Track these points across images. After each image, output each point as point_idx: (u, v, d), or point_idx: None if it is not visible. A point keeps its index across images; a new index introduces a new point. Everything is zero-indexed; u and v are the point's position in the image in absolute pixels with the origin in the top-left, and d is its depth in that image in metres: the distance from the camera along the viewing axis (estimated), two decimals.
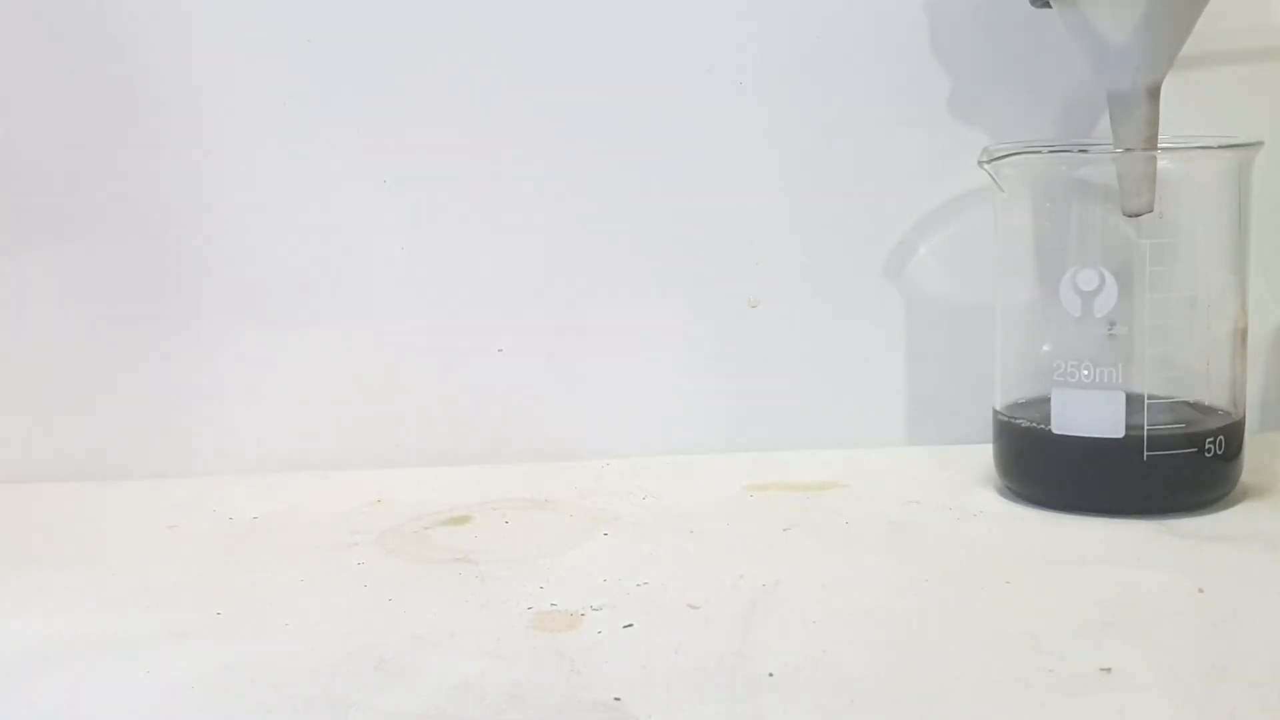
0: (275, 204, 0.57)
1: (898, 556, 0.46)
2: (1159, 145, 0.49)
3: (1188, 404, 0.50)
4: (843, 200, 0.58)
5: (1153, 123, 0.49)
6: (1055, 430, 0.49)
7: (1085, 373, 0.49)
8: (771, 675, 0.37)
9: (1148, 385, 0.49)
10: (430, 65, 0.57)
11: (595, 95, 0.57)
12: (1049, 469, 0.50)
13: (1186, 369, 0.50)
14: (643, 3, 0.57)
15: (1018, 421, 0.51)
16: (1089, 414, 0.48)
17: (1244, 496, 0.50)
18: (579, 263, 0.58)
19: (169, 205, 0.57)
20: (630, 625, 0.40)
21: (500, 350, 0.58)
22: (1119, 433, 0.48)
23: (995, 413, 0.52)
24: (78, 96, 0.56)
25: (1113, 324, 0.48)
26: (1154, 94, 0.49)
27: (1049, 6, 0.51)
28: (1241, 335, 0.51)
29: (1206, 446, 0.49)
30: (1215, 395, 0.50)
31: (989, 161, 0.51)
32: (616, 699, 0.35)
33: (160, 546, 0.49)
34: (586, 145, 0.57)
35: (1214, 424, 0.49)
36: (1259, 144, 0.50)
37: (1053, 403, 0.49)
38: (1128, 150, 0.49)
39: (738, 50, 0.57)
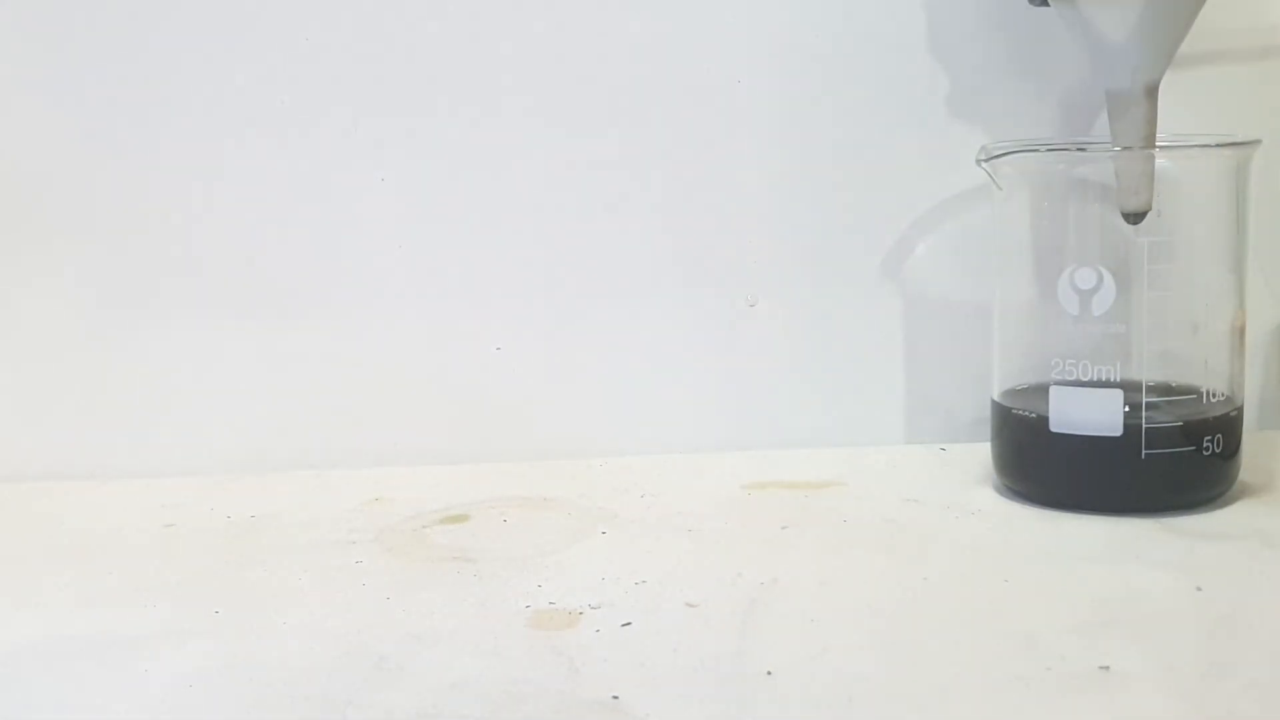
0: (273, 201, 0.57)
1: (896, 555, 0.46)
2: (1157, 143, 0.49)
3: (1186, 402, 0.49)
4: (841, 198, 0.58)
5: (1151, 121, 0.49)
6: (1053, 428, 0.49)
7: (1083, 371, 0.49)
8: (770, 674, 0.36)
9: (1145, 383, 0.48)
10: (428, 62, 0.56)
11: (593, 92, 0.57)
12: (1047, 467, 0.50)
13: (1185, 366, 0.50)
14: (641, 3, 0.56)
15: (1017, 412, 0.50)
16: (1087, 412, 0.48)
17: (1242, 494, 0.50)
18: (577, 261, 0.58)
19: (167, 203, 0.57)
20: (629, 624, 0.40)
21: (499, 349, 0.58)
22: (1117, 431, 0.48)
23: (994, 403, 0.52)
24: (72, 94, 0.56)
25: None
26: (1152, 92, 0.49)
27: (1047, 5, 0.51)
28: (1239, 333, 0.51)
29: (1205, 444, 0.49)
30: (1213, 393, 0.50)
31: (987, 160, 0.51)
32: (615, 697, 0.35)
33: (158, 545, 0.49)
34: (585, 143, 0.57)
35: (1212, 422, 0.49)
36: (1257, 142, 0.50)
37: (1051, 401, 0.49)
38: (1126, 148, 0.49)
39: (735, 46, 0.57)
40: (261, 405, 0.58)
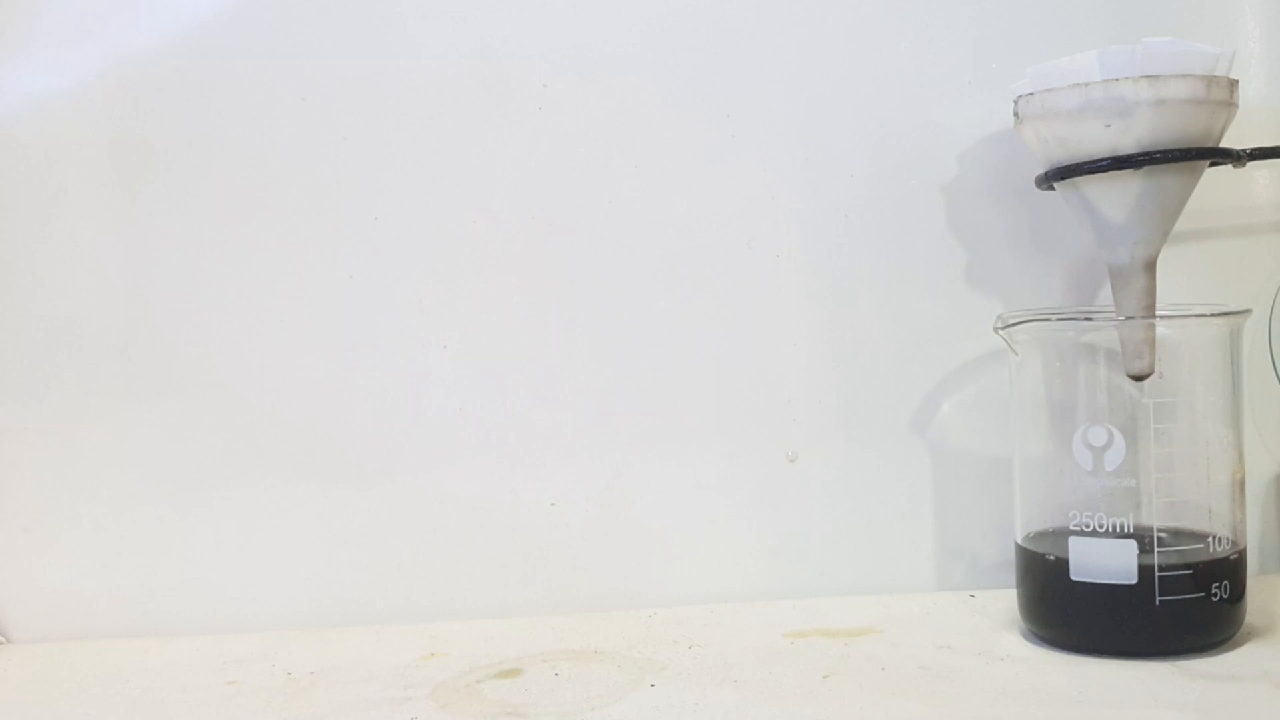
0: (338, 367, 0.59)
1: (932, 703, 0.47)
2: (1157, 313, 0.52)
3: (1194, 550, 0.51)
4: (873, 363, 0.60)
5: (1150, 292, 0.52)
6: (1074, 577, 0.51)
7: (1099, 522, 0.51)
8: None
9: (1156, 533, 0.51)
10: (487, 240, 0.59)
11: (647, 267, 0.60)
12: (1069, 613, 0.52)
13: (1191, 517, 0.52)
14: (689, 185, 0.60)
15: (1039, 562, 0.52)
16: (1104, 562, 0.50)
17: (1249, 637, 0.52)
18: (627, 421, 0.60)
19: (232, 366, 0.59)
20: None
21: (553, 504, 0.60)
22: (1132, 579, 0.50)
23: (1017, 549, 0.54)
24: (153, 259, 0.59)
25: None
26: (1150, 266, 0.52)
27: (1053, 189, 0.54)
28: (1240, 485, 0.53)
29: (1213, 590, 0.51)
30: (1219, 542, 0.52)
31: (1003, 328, 0.54)
32: None
33: (221, 702, 0.49)
34: (637, 314, 0.60)
35: (1220, 569, 0.51)
36: (1247, 311, 0.53)
37: (1070, 551, 0.51)
38: (1128, 318, 0.52)
39: (774, 227, 0.60)
40: (319, 559, 0.59)
